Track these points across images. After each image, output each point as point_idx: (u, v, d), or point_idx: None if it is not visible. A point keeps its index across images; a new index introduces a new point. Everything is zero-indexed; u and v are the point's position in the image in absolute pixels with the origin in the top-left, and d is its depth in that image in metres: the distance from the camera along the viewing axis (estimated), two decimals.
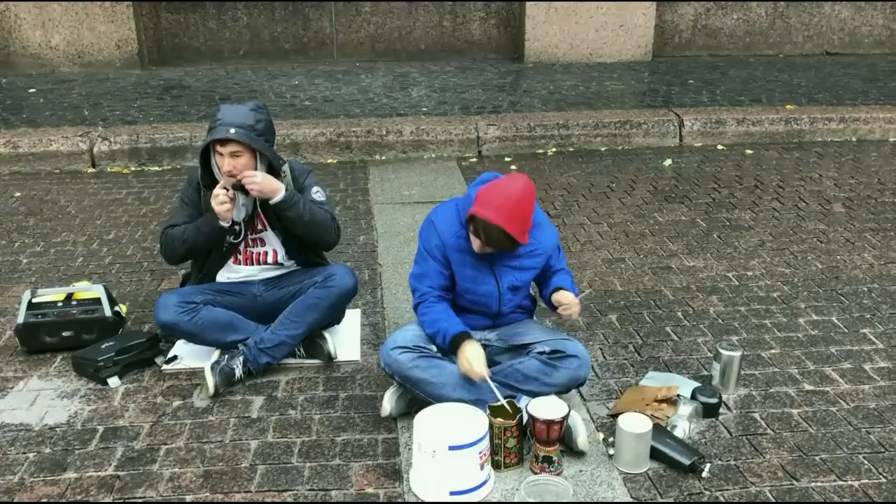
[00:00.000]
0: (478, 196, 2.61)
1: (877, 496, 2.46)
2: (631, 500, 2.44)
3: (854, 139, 6.14)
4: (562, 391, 2.75)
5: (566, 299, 2.75)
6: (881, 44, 8.44)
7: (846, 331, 3.43)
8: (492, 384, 2.62)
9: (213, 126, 2.90)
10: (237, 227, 3.08)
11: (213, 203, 2.93)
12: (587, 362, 2.76)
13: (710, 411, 2.81)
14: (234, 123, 2.87)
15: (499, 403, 2.57)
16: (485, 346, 2.86)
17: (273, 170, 3.02)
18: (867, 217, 4.67)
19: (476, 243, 2.66)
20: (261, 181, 2.92)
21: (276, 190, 2.96)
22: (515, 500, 2.39)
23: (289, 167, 3.13)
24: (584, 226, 4.56)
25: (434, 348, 2.75)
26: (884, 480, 2.53)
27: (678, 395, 2.84)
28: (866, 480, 2.53)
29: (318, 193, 3.14)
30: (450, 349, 2.70)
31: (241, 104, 2.97)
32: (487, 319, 2.88)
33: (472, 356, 2.63)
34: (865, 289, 3.80)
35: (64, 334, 3.23)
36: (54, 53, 7.52)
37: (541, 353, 2.74)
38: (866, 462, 2.61)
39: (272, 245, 3.17)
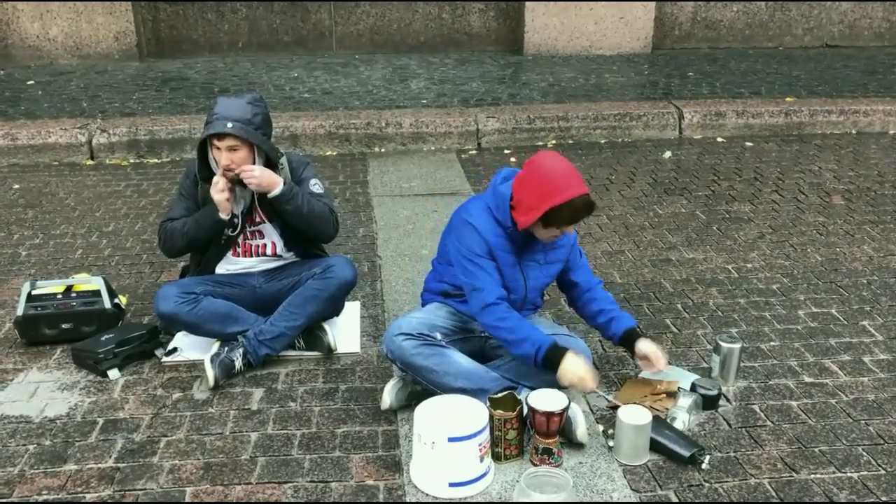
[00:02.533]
0: (533, 193, 2.57)
1: (876, 488, 2.46)
2: (630, 491, 2.44)
3: (854, 131, 6.13)
4: (562, 385, 2.76)
5: (654, 356, 2.77)
6: (881, 36, 8.42)
7: (845, 323, 3.43)
8: (606, 395, 2.72)
9: (210, 120, 2.89)
10: (235, 220, 3.08)
11: (213, 191, 2.92)
12: (587, 357, 2.76)
13: (709, 403, 2.82)
14: (231, 117, 2.86)
15: (499, 395, 2.57)
16: (487, 339, 2.87)
17: (271, 163, 3.02)
18: (867, 209, 4.67)
19: (566, 230, 2.67)
20: (259, 175, 2.92)
21: (275, 183, 2.96)
22: (515, 492, 2.39)
23: (286, 160, 3.12)
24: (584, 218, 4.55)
25: (438, 336, 2.75)
26: (883, 472, 2.53)
27: (678, 388, 2.84)
28: (865, 472, 2.53)
29: (316, 186, 3.13)
30: (545, 363, 2.63)
31: (238, 97, 2.96)
32: None
33: (581, 369, 2.61)
34: (865, 281, 3.81)
35: (63, 326, 3.23)
36: (52, 45, 7.49)
37: None
38: (865, 454, 2.61)
39: (271, 237, 3.17)
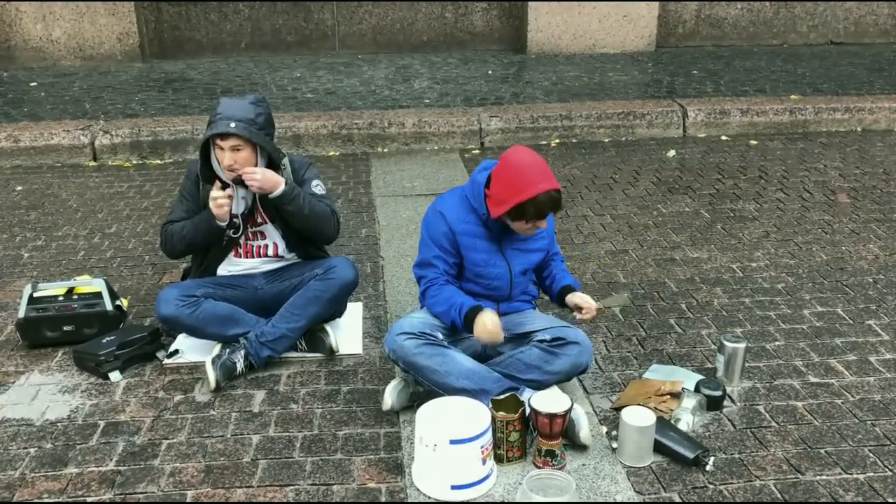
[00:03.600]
0: (501, 190, 2.61)
1: (882, 489, 2.44)
2: (634, 493, 2.42)
3: (859, 129, 6.10)
4: (563, 379, 2.75)
5: (586, 304, 2.80)
6: (886, 33, 8.37)
7: (851, 322, 3.41)
8: (503, 375, 2.69)
9: (213, 120, 2.88)
10: (236, 221, 3.07)
11: (211, 204, 2.92)
12: (588, 349, 2.75)
13: (714, 404, 2.80)
14: (234, 117, 2.85)
15: (502, 397, 2.55)
16: None
17: (273, 163, 3.01)
18: (872, 207, 4.64)
19: (538, 224, 2.67)
20: (261, 177, 2.91)
21: (276, 184, 2.95)
22: (518, 494, 2.37)
23: (288, 160, 3.11)
24: (588, 217, 4.54)
25: (440, 336, 2.74)
26: (889, 473, 2.51)
27: (682, 388, 2.82)
28: (872, 473, 2.51)
29: (318, 187, 3.12)
30: (464, 323, 2.69)
31: (241, 97, 2.95)
32: (494, 304, 2.86)
33: (489, 320, 2.64)
34: (871, 280, 3.78)
35: (65, 328, 3.22)
36: (55, 47, 7.50)
37: (541, 341, 2.74)
38: (872, 455, 2.59)
39: (272, 238, 3.16)
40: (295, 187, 3.01)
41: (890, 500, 2.40)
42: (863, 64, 7.44)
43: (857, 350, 3.20)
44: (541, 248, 2.90)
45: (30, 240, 4.33)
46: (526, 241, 2.83)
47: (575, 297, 2.85)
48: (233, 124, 2.84)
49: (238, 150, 2.89)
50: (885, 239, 4.22)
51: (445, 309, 2.74)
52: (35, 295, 3.26)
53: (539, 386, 2.71)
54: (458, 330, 2.81)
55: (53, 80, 7.05)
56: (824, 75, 7.02)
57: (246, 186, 3.00)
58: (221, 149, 2.90)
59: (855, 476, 2.50)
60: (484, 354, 2.86)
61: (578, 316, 2.84)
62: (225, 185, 2.98)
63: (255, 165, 2.95)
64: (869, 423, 2.75)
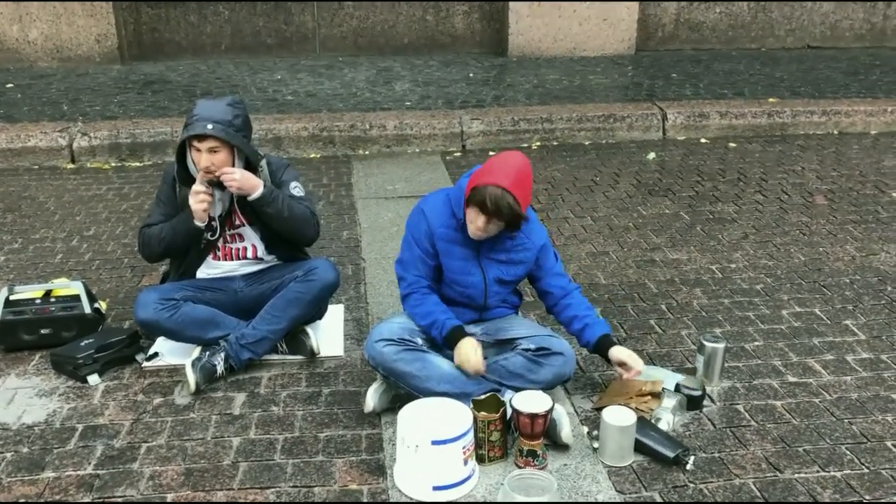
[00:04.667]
0: (476, 172, 2.62)
1: (859, 487, 2.47)
2: (615, 493, 2.43)
3: (836, 132, 6.17)
4: (546, 388, 2.74)
5: (634, 364, 2.73)
6: (862, 37, 8.49)
7: (829, 322, 3.44)
8: (483, 383, 2.64)
9: (189, 122, 2.86)
10: (214, 224, 3.05)
11: (192, 201, 2.89)
12: (572, 359, 2.75)
13: (694, 404, 2.81)
14: (211, 119, 2.83)
15: (483, 397, 2.56)
16: None
17: (250, 165, 2.99)
18: (849, 209, 4.69)
19: (479, 221, 2.57)
20: (240, 178, 2.89)
21: (255, 186, 2.93)
22: (499, 494, 2.37)
23: (266, 162, 3.09)
24: (569, 219, 4.56)
25: (419, 341, 2.73)
26: (866, 471, 2.53)
27: (662, 388, 2.84)
28: (849, 471, 2.53)
29: (296, 188, 3.11)
30: (445, 343, 2.70)
31: (218, 99, 2.94)
32: (473, 312, 2.86)
33: (471, 351, 2.63)
34: (847, 280, 3.82)
35: (42, 332, 3.18)
36: (32, 48, 7.42)
37: (526, 349, 2.73)
38: (849, 453, 2.62)
39: (251, 240, 3.14)
40: (273, 189, 2.99)
41: (867, 498, 2.42)
42: (839, 67, 7.54)
43: (834, 350, 3.23)
44: (523, 261, 2.81)
45: (6, 242, 4.28)
46: (507, 252, 2.77)
47: (622, 354, 2.75)
48: (210, 126, 2.82)
49: (215, 151, 2.88)
50: (861, 240, 4.27)
51: (427, 324, 2.74)
52: (11, 298, 3.22)
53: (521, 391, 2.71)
54: None
55: (30, 81, 6.98)
56: (802, 79, 7.10)
57: (223, 188, 2.98)
58: (198, 150, 2.88)
59: (832, 474, 2.52)
60: None
61: (624, 374, 2.77)
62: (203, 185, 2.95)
63: (233, 167, 2.94)
64: (846, 421, 2.78)
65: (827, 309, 3.55)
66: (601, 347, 2.80)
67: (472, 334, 2.74)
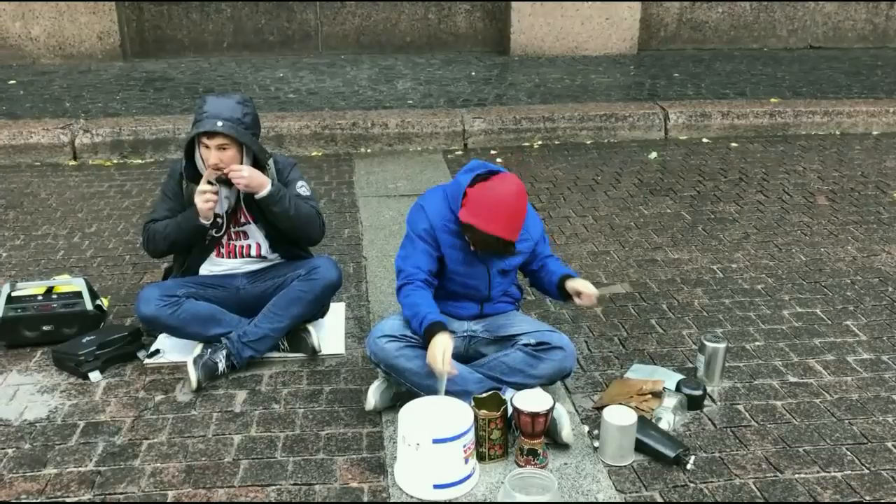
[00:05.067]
0: (470, 202, 2.61)
1: (859, 487, 2.47)
2: (616, 492, 2.44)
3: (837, 132, 6.17)
4: (547, 383, 2.75)
5: (586, 290, 2.77)
6: (864, 38, 8.48)
7: (830, 323, 3.44)
8: (443, 383, 2.58)
9: (199, 118, 2.86)
10: (219, 221, 3.05)
11: (198, 199, 2.90)
12: (572, 354, 2.76)
13: (694, 403, 2.82)
14: (221, 116, 2.84)
15: (484, 395, 2.56)
16: (470, 338, 2.86)
17: (258, 163, 2.99)
18: (850, 210, 4.69)
19: (478, 245, 2.69)
20: (248, 175, 2.89)
21: (263, 184, 2.93)
22: (500, 493, 2.38)
23: (273, 161, 3.10)
24: (570, 218, 4.56)
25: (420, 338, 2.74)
26: (866, 472, 2.54)
27: (663, 388, 2.84)
28: (849, 472, 2.54)
29: (302, 188, 3.11)
30: (424, 336, 2.63)
31: (228, 97, 2.94)
32: (476, 305, 2.87)
33: (439, 348, 2.56)
34: (849, 281, 3.82)
35: (44, 328, 3.19)
36: (35, 45, 7.42)
37: (526, 344, 2.74)
38: (849, 453, 2.62)
39: (255, 238, 3.15)
40: (281, 188, 3.00)
41: (867, 499, 2.43)
42: (841, 68, 7.53)
43: (835, 350, 3.23)
44: (523, 251, 2.85)
45: (8, 239, 4.29)
46: None
47: (577, 283, 2.81)
48: (220, 123, 2.82)
49: (224, 149, 2.88)
50: (862, 241, 4.27)
51: (411, 315, 2.72)
52: (14, 294, 3.23)
53: (522, 388, 2.71)
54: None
55: (33, 78, 6.98)
56: (803, 79, 7.09)
57: (230, 186, 2.98)
58: (207, 147, 2.88)
59: (833, 474, 2.53)
60: (467, 355, 2.86)
61: (578, 301, 2.82)
62: (210, 184, 2.96)
63: (241, 165, 2.94)
64: (846, 421, 2.78)
65: (828, 309, 3.56)
66: (561, 284, 2.85)
67: (452, 332, 2.72)
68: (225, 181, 2.95)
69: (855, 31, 8.45)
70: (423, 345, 2.66)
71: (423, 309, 2.69)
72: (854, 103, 6.31)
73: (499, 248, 2.64)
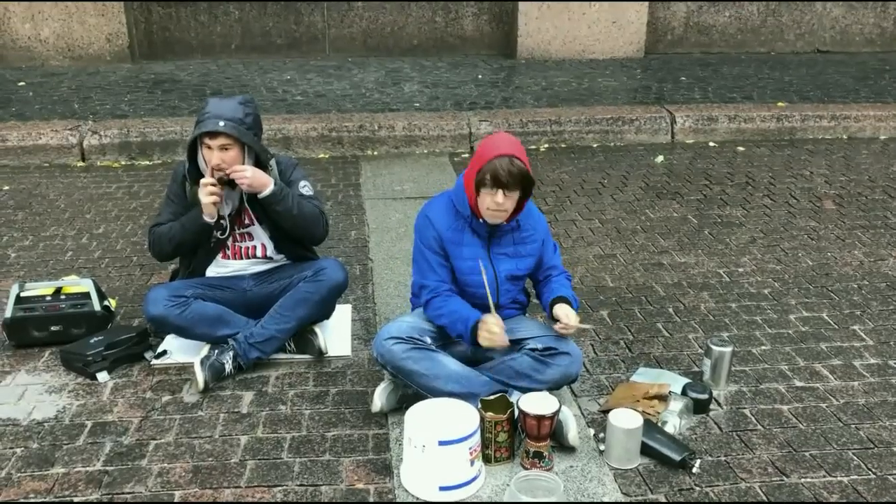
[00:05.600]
0: (472, 161, 2.64)
1: (866, 492, 2.46)
2: (621, 495, 2.44)
3: (845, 137, 6.16)
4: (553, 388, 2.75)
5: (567, 319, 2.71)
6: (872, 42, 8.47)
7: (836, 327, 3.44)
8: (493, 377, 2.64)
9: (201, 119, 2.88)
10: (223, 223, 3.06)
11: (201, 193, 2.91)
12: (579, 359, 2.76)
13: (700, 407, 2.82)
14: (223, 116, 2.85)
15: (491, 397, 2.56)
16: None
17: (260, 163, 3.01)
18: (858, 214, 4.69)
19: (498, 197, 2.57)
20: (251, 175, 2.91)
21: (266, 184, 2.95)
22: (506, 495, 2.38)
23: (275, 161, 3.11)
24: (576, 222, 4.56)
25: (428, 340, 2.74)
26: (873, 476, 2.53)
27: (669, 391, 2.84)
28: (856, 476, 2.53)
29: (305, 188, 3.12)
30: (472, 335, 2.66)
31: (229, 98, 2.96)
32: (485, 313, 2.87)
33: (493, 323, 2.61)
34: (856, 285, 3.82)
35: (52, 329, 3.21)
36: (44, 47, 7.46)
37: (533, 349, 2.73)
38: (856, 458, 2.62)
39: (260, 239, 3.16)
40: (284, 187, 3.01)
41: (873, 503, 2.42)
42: (849, 72, 7.52)
43: (841, 355, 3.23)
44: (531, 254, 2.84)
45: (17, 240, 4.31)
46: (514, 245, 2.80)
47: (559, 311, 2.74)
48: (222, 123, 2.84)
49: (226, 149, 2.89)
50: (869, 245, 4.26)
51: (451, 321, 2.71)
52: (22, 295, 3.24)
53: (528, 392, 2.71)
54: (448, 335, 2.81)
55: (42, 79, 7.02)
56: (811, 83, 7.08)
57: (233, 187, 3.00)
58: (209, 148, 2.90)
59: (839, 479, 2.52)
60: (474, 358, 2.86)
61: (556, 326, 2.75)
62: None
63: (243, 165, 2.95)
64: (853, 426, 2.78)
65: (835, 314, 3.55)
66: (552, 305, 2.79)
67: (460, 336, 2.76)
68: (228, 182, 2.96)
69: (863, 35, 8.44)
70: (473, 344, 2.68)
71: (464, 312, 2.71)
72: (862, 107, 6.31)
73: (508, 168, 2.54)
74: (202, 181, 2.92)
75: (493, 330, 2.61)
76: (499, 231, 2.75)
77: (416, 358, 2.68)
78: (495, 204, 2.60)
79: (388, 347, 2.69)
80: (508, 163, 2.55)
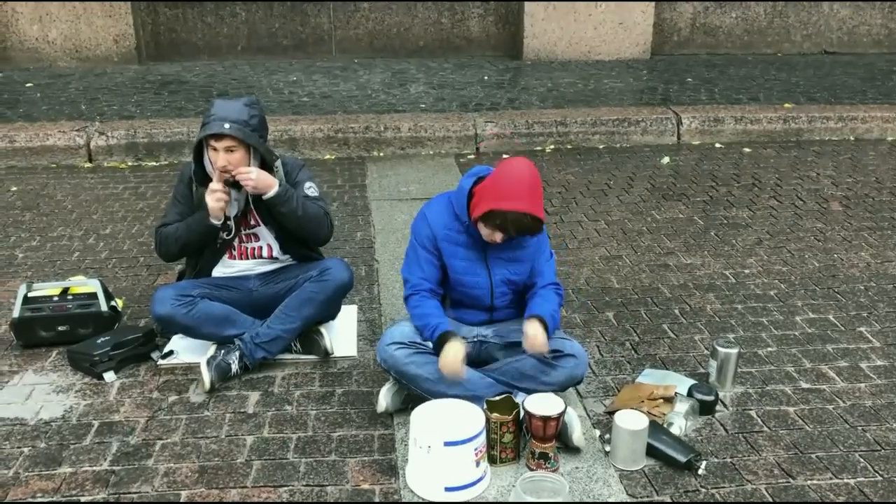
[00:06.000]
0: (486, 190, 2.60)
1: (872, 494, 2.46)
2: (627, 497, 2.44)
3: (852, 138, 6.14)
4: (559, 390, 2.75)
5: (531, 341, 2.64)
6: (879, 43, 8.44)
7: (843, 329, 3.43)
8: (456, 387, 2.60)
9: (206, 121, 2.89)
10: (229, 224, 3.07)
11: (209, 198, 2.92)
12: (584, 361, 2.76)
13: (706, 409, 2.81)
14: (228, 118, 2.86)
15: (497, 398, 2.56)
16: (481, 343, 2.87)
17: (266, 165, 3.02)
18: (864, 216, 4.67)
19: (496, 237, 2.62)
20: (256, 177, 2.92)
21: (270, 185, 2.96)
22: (511, 496, 2.38)
23: (281, 162, 3.12)
24: (582, 223, 4.56)
25: (430, 344, 2.75)
26: (879, 479, 2.53)
27: (675, 393, 2.83)
28: (862, 478, 2.53)
29: (311, 189, 3.13)
30: (436, 346, 2.67)
31: (235, 99, 2.97)
32: (483, 313, 2.87)
33: (451, 355, 2.60)
34: (862, 287, 3.80)
35: (59, 329, 3.22)
36: (52, 48, 7.49)
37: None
38: (862, 460, 2.61)
39: (266, 240, 3.17)
40: (288, 188, 3.02)
41: None
42: (856, 73, 7.50)
43: (848, 356, 3.22)
44: (526, 259, 2.81)
45: (24, 240, 4.33)
46: (511, 249, 2.78)
47: (528, 328, 2.65)
48: (227, 125, 2.85)
49: (232, 151, 2.90)
50: (876, 247, 4.25)
51: (421, 325, 2.74)
52: (30, 295, 3.26)
53: (533, 394, 2.71)
54: None
55: (49, 81, 7.05)
56: (818, 84, 7.07)
57: (239, 188, 3.01)
58: (215, 150, 2.91)
59: (845, 481, 2.52)
60: (479, 359, 2.86)
61: (525, 345, 2.68)
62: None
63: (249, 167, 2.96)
64: (860, 428, 2.77)
65: (841, 315, 3.54)
66: (525, 320, 2.71)
67: (476, 336, 2.75)
68: (234, 184, 2.98)
69: (870, 36, 8.41)
70: (435, 354, 2.67)
71: (432, 319, 2.72)
72: (869, 109, 6.29)
73: (532, 227, 2.57)
74: (210, 186, 2.93)
75: (448, 358, 2.59)
76: None
77: (418, 362, 2.68)
78: (492, 239, 2.65)
79: (390, 353, 2.69)
80: (522, 219, 2.54)
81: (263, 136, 3.01)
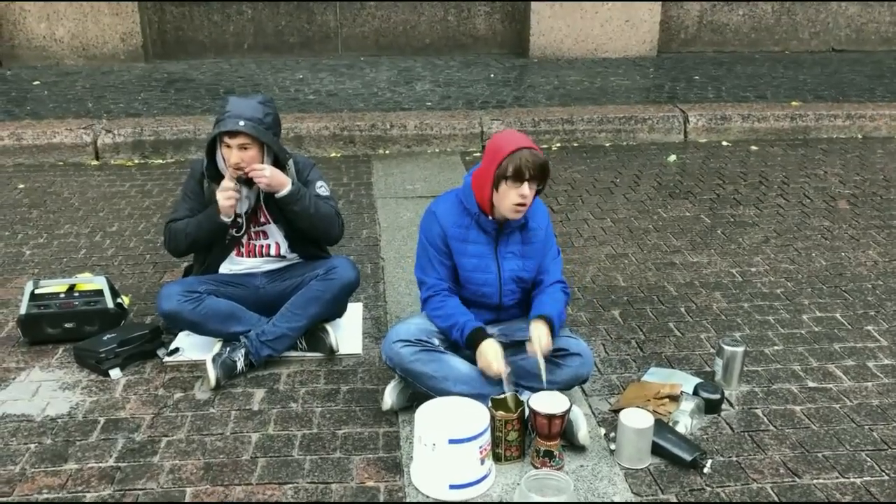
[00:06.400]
0: (485, 159, 2.63)
1: (879, 494, 2.45)
2: (632, 495, 2.43)
3: (860, 136, 6.11)
4: (564, 388, 2.74)
5: (535, 345, 2.62)
6: (888, 41, 8.40)
7: (850, 328, 3.42)
8: (506, 384, 2.61)
9: (221, 118, 2.89)
10: (239, 221, 3.08)
11: (220, 197, 2.93)
12: (590, 360, 2.75)
13: (712, 407, 2.80)
14: (243, 116, 2.87)
15: (501, 396, 2.56)
16: None
17: (278, 163, 3.02)
18: (872, 214, 4.65)
19: (523, 189, 2.55)
20: (269, 175, 2.92)
21: (284, 183, 2.96)
22: (516, 494, 2.38)
23: (293, 161, 3.12)
24: (588, 221, 4.55)
25: (436, 342, 2.74)
26: (886, 478, 2.51)
27: (681, 391, 2.83)
28: (869, 478, 2.52)
29: (322, 188, 3.14)
30: (466, 344, 2.69)
31: (249, 97, 2.98)
32: (490, 313, 2.86)
33: (491, 354, 2.63)
34: (870, 286, 3.79)
35: (66, 325, 3.23)
36: (59, 46, 7.52)
37: None
38: (869, 459, 2.60)
39: (275, 238, 3.17)
40: (301, 187, 3.02)
41: None
42: (864, 71, 7.46)
43: (855, 355, 3.21)
44: (536, 255, 2.80)
45: (31, 237, 4.34)
46: (521, 244, 2.78)
47: (533, 331, 2.64)
48: (242, 122, 2.85)
49: (246, 148, 2.91)
50: (884, 245, 4.23)
51: (448, 326, 2.74)
52: (36, 292, 3.27)
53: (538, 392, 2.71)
54: None
55: (56, 78, 7.07)
56: (825, 82, 7.04)
57: (250, 186, 3.01)
58: (229, 147, 2.91)
59: (852, 480, 2.51)
60: None
61: (527, 347, 2.68)
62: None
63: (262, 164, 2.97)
64: (867, 427, 2.76)
65: (848, 314, 3.53)
66: (531, 321, 2.71)
67: (491, 335, 2.75)
68: (246, 181, 2.98)
69: (878, 34, 8.37)
70: (469, 350, 2.68)
71: (459, 318, 2.72)
72: (877, 107, 6.26)
73: (531, 161, 2.54)
74: (223, 184, 2.93)
75: (489, 359, 2.62)
76: (507, 229, 2.75)
77: (424, 360, 2.68)
78: (520, 197, 2.59)
79: (396, 350, 2.69)
80: (530, 154, 2.56)
81: (277, 135, 3.01)
